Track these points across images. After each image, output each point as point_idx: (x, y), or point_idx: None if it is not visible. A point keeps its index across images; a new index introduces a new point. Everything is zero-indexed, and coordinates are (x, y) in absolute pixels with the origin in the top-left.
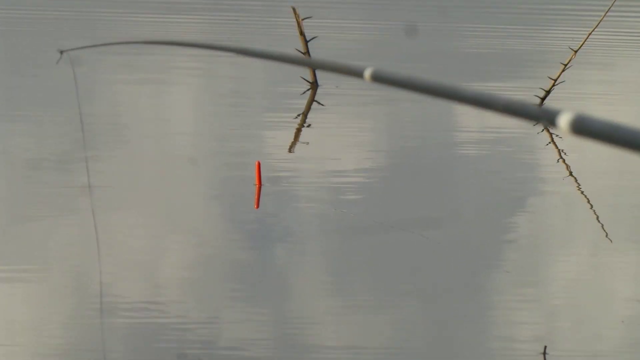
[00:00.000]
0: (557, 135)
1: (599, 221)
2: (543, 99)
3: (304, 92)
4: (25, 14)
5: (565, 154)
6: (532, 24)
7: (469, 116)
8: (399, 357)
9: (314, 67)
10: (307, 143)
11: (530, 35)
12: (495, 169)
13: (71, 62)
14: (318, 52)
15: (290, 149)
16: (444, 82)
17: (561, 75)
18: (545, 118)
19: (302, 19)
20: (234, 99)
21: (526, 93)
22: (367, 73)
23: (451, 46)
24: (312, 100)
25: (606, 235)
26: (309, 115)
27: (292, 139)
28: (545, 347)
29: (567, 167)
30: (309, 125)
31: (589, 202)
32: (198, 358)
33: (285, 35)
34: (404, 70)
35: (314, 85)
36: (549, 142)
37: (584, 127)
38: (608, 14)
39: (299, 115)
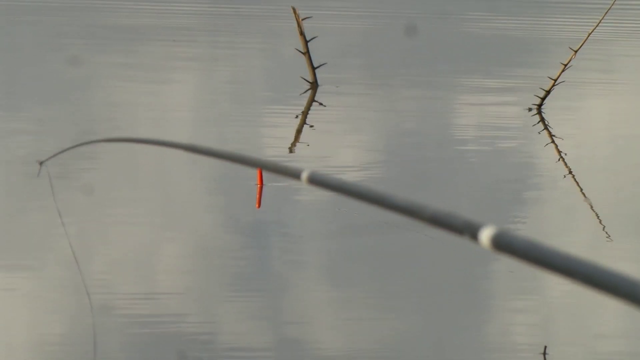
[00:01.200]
0: (556, 136)
1: (599, 220)
2: (543, 98)
3: (304, 92)
4: (24, 4)
5: (565, 154)
6: (534, 17)
7: (469, 116)
8: (398, 356)
9: (257, 167)
10: (308, 144)
11: (532, 28)
12: (495, 168)
13: (49, 175)
14: (319, 51)
15: (291, 149)
16: (374, 189)
17: (561, 75)
18: (468, 231)
19: (302, 19)
20: (234, 98)
21: (526, 93)
22: (304, 175)
23: (452, 37)
24: (312, 100)
25: (606, 233)
26: (308, 115)
27: (292, 139)
28: (545, 347)
29: (567, 166)
30: (308, 125)
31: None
32: (198, 358)
33: (284, 29)
34: (403, 68)
35: (314, 85)
36: (549, 142)
37: (503, 244)
38: (608, 14)
39: (298, 115)
